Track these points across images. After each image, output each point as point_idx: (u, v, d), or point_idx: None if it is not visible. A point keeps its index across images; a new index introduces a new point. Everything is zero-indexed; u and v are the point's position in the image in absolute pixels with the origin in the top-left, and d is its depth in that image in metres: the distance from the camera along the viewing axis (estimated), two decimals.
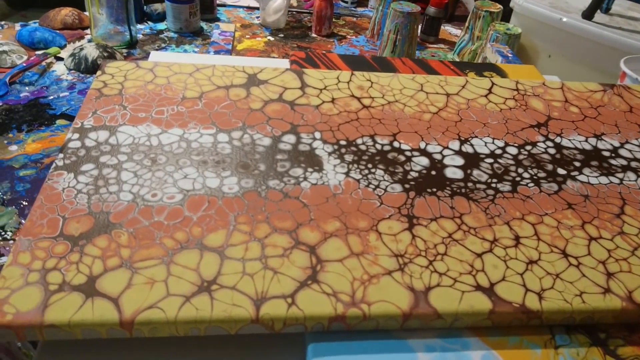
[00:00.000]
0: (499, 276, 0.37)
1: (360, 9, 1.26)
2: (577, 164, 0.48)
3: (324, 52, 0.78)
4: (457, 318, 0.34)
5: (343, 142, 0.47)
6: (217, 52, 0.74)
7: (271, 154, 0.45)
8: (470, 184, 0.44)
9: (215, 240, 0.37)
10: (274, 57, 0.96)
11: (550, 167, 0.48)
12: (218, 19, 1.11)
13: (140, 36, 1.00)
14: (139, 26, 1.05)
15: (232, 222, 0.38)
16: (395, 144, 0.48)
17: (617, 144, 0.52)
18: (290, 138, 0.47)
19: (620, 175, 0.48)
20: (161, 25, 1.06)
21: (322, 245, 0.37)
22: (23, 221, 0.48)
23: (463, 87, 0.57)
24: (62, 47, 0.90)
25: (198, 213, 0.39)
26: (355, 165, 0.45)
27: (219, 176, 0.42)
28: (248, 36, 1.04)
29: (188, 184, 0.41)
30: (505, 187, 0.45)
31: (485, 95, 0.57)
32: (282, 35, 1.08)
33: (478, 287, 0.36)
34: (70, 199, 0.38)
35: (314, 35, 1.10)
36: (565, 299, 0.35)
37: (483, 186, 0.44)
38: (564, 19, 0.87)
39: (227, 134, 0.46)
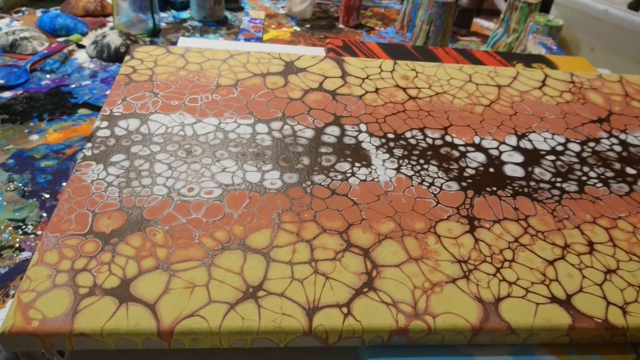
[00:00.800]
0: (576, 287, 0.33)
1: (385, 1, 1.22)
2: None
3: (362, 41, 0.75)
4: (532, 334, 0.30)
5: (391, 135, 0.43)
6: (247, 40, 0.70)
7: (315, 146, 0.41)
8: (532, 183, 0.40)
9: (260, 241, 0.33)
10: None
11: (617, 165, 0.43)
12: (242, 9, 1.08)
13: (163, 24, 0.97)
14: (162, 14, 1.02)
15: (276, 220, 0.35)
16: (448, 138, 0.44)
17: None
18: (334, 130, 0.43)
19: None
20: (185, 14, 1.03)
21: (377, 249, 0.34)
22: (44, 214, 0.44)
23: (514, 78, 0.53)
24: (84, 35, 0.87)
25: (239, 210, 0.35)
26: (406, 161, 0.41)
27: (259, 170, 0.38)
28: (274, 26, 1.01)
29: (227, 178, 0.37)
30: (571, 187, 0.41)
31: (539, 88, 0.52)
32: (308, 25, 1.04)
33: (553, 299, 0.32)
34: (100, 192, 0.35)
35: (341, 26, 1.06)
36: None
37: (547, 185, 0.40)
38: (609, 10, 0.82)
39: (266, 124, 0.43)
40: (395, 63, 0.53)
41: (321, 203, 0.36)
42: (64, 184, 0.50)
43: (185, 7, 1.03)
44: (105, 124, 0.41)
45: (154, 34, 0.93)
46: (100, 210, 0.34)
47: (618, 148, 0.45)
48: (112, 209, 0.34)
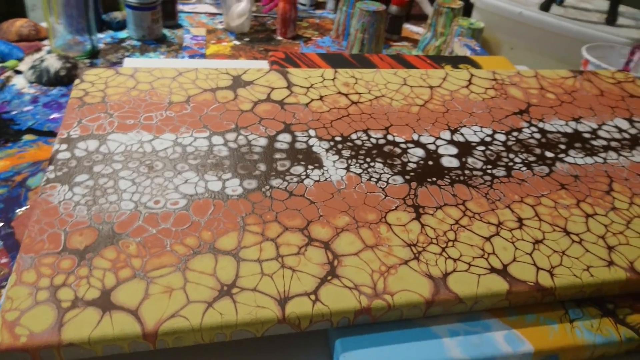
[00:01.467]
0: (510, 257, 0.37)
1: (318, 11, 1.27)
2: (562, 146, 0.50)
3: (302, 52, 0.78)
4: (477, 301, 0.35)
5: (338, 138, 0.47)
6: (191, 57, 0.72)
7: (269, 153, 0.44)
8: (467, 172, 0.45)
9: (228, 244, 0.36)
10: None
11: (538, 151, 0.49)
12: (180, 26, 1.09)
13: (101, 45, 0.97)
14: (100, 35, 1.01)
15: (241, 224, 0.37)
16: (389, 137, 0.48)
17: (595, 126, 0.54)
18: (286, 137, 0.47)
19: (603, 155, 0.50)
20: (122, 34, 1.03)
21: (336, 241, 0.37)
22: (0, 242, 0.45)
23: (444, 79, 0.59)
24: (20, 60, 0.86)
25: (205, 217, 0.38)
26: (354, 160, 0.45)
27: (220, 179, 0.41)
28: (214, 41, 1.03)
29: (190, 189, 0.40)
30: (500, 172, 0.46)
31: (466, 86, 0.58)
32: (247, 39, 1.07)
33: (492, 270, 0.36)
34: (68, 212, 0.37)
35: (279, 37, 1.10)
36: (575, 274, 0.37)
37: (479, 173, 0.45)
38: (523, 12, 0.90)
39: (221, 136, 0.46)
40: (335, 71, 0.57)
41: (281, 205, 0.39)
42: (17, 211, 0.51)
43: (122, 27, 1.03)
44: (64, 146, 0.42)
45: (93, 55, 0.93)
46: (71, 229, 0.35)
47: (537, 135, 0.51)
48: (82, 227, 0.36)
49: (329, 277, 0.34)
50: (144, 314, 0.31)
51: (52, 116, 0.74)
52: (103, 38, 0.99)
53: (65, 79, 0.83)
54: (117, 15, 1.03)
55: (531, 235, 0.39)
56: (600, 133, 0.53)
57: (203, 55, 0.73)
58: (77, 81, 0.50)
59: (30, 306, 0.30)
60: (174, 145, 0.44)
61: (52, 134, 0.70)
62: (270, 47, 1.03)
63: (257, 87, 0.53)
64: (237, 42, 1.03)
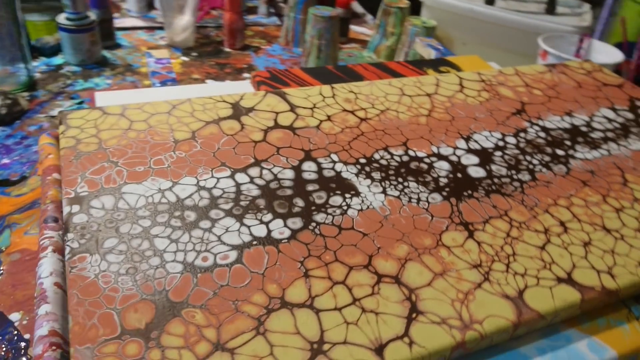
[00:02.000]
0: (569, 264, 0.38)
1: (250, 17, 1.23)
2: (568, 142, 0.52)
3: (286, 68, 0.75)
4: (556, 315, 0.35)
5: (362, 160, 0.46)
6: (163, 82, 0.67)
7: (300, 186, 0.42)
8: (495, 180, 0.45)
9: (298, 295, 0.33)
10: (196, 78, 0.90)
11: (549, 150, 0.50)
12: (119, 45, 1.02)
13: (37, 74, 0.88)
14: (32, 63, 0.92)
15: (302, 270, 0.35)
16: (411, 153, 0.47)
17: (587, 119, 0.57)
18: (311, 165, 0.44)
19: (605, 147, 0.52)
20: (58, 60, 0.94)
21: (404, 273, 0.35)
22: None
23: (437, 85, 0.59)
24: None
25: (262, 268, 0.35)
26: (387, 182, 0.43)
27: (261, 222, 0.38)
28: None
29: (234, 238, 0.36)
30: (525, 176, 0.46)
31: (460, 90, 0.58)
32: (195, 53, 1.02)
33: (559, 280, 0.37)
34: (111, 286, 0.32)
35: (227, 49, 1.06)
36: (631, 272, 0.38)
37: (507, 179, 0.46)
38: (471, 7, 0.93)
39: (244, 173, 0.42)
40: (332, 87, 0.55)
41: (334, 242, 0.37)
42: None
43: (55, 52, 0.94)
44: (76, 208, 0.37)
45: (31, 86, 0.84)
46: (122, 306, 0.31)
47: (542, 134, 0.53)
48: (134, 301, 0.31)
49: (414, 315, 0.33)
50: None
51: (1, 162, 0.66)
52: (37, 66, 0.90)
53: (7, 117, 0.74)
54: (48, 39, 0.94)
55: (578, 238, 0.40)
56: (594, 125, 0.56)
57: (175, 80, 0.68)
58: (62, 128, 0.45)
59: None
60: (198, 189, 0.40)
61: (7, 182, 0.63)
62: (221, 60, 0.99)
63: (261, 113, 0.50)
64: (185, 58, 0.98)
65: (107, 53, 0.97)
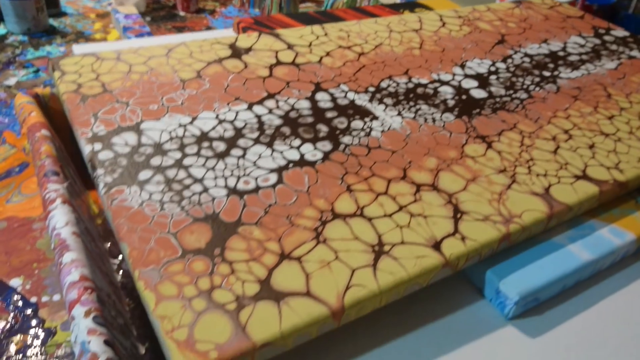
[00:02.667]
0: (582, 164, 0.40)
1: None
2: (551, 65, 0.55)
3: (267, 15, 0.74)
4: (580, 207, 0.37)
5: (371, 89, 0.46)
6: (139, 36, 0.63)
7: (320, 114, 0.42)
8: (497, 99, 0.47)
9: (347, 207, 0.33)
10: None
11: (537, 72, 0.53)
12: (64, 13, 0.96)
13: None
14: None
15: (344, 185, 0.35)
16: (414, 80, 0.48)
17: (561, 45, 0.60)
18: (324, 96, 0.44)
19: (584, 67, 0.56)
20: (0, 30, 0.87)
21: (439, 181, 0.37)
22: None
23: (420, 22, 0.60)
24: None
25: (305, 187, 0.35)
26: (401, 106, 0.44)
27: (291, 147, 0.38)
28: (112, 25, 0.92)
29: (270, 163, 0.36)
30: (523, 95, 0.49)
31: (443, 26, 0.60)
32: (148, 18, 0.97)
33: (577, 177, 0.39)
34: (160, 213, 0.31)
35: (182, 13, 1.02)
36: (634, 166, 0.41)
37: (507, 98, 0.48)
38: None
39: (261, 105, 0.42)
40: (323, 27, 0.55)
41: (367, 160, 0.38)
42: None
43: None
44: (99, 145, 0.35)
45: None
46: (175, 229, 0.30)
47: (527, 59, 0.55)
48: (187, 224, 0.31)
49: (458, 215, 0.34)
50: (320, 293, 0.28)
51: None
52: None
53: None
54: None
55: (583, 142, 0.43)
56: (569, 50, 0.59)
57: (150, 34, 0.65)
58: (57, 74, 0.42)
59: (194, 319, 0.26)
60: (219, 122, 0.39)
61: None
62: (177, 23, 0.96)
63: (260, 52, 0.49)
64: None
65: (53, 21, 0.91)
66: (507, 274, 0.33)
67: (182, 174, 0.34)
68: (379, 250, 0.31)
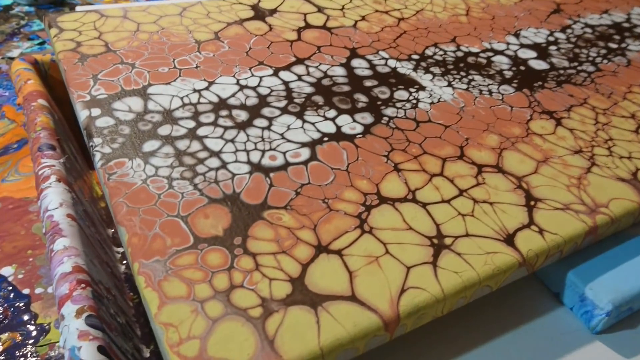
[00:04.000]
0: None
1: None
2: (617, 37, 0.48)
3: None
4: None
5: (415, 57, 0.40)
6: None
7: (357, 81, 0.36)
8: (561, 71, 0.41)
9: (396, 189, 0.27)
10: None
11: (602, 43, 0.46)
12: None
13: None
14: None
15: (391, 164, 0.29)
16: (463, 49, 0.42)
17: (625, 16, 0.53)
18: (361, 62, 0.38)
19: None
20: (5, 0, 0.82)
21: (504, 162, 0.30)
22: None
23: None
24: None
25: (344, 165, 0.28)
26: (450, 76, 0.38)
27: (326, 118, 0.32)
28: None
29: (300, 135, 0.30)
30: (590, 67, 0.42)
31: None
32: None
33: None
34: (167, 191, 0.25)
35: None
36: None
37: (573, 71, 0.41)
38: None
39: (289, 71, 0.36)
40: None
41: (416, 135, 0.31)
42: None
43: None
44: (97, 111, 0.29)
45: None
46: (186, 212, 0.24)
47: (589, 30, 0.48)
48: (201, 205, 0.25)
49: (532, 203, 0.28)
50: (368, 297, 0.22)
51: None
52: None
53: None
54: None
55: None
56: (634, 21, 0.52)
57: None
58: (54, 31, 0.36)
59: (209, 328, 0.20)
60: (240, 88, 0.33)
61: None
62: None
63: (286, 14, 0.43)
64: None
65: None
66: (594, 277, 0.27)
67: (195, 145, 0.28)
68: (438, 244, 0.25)
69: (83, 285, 0.25)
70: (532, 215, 0.27)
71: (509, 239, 0.25)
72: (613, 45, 0.46)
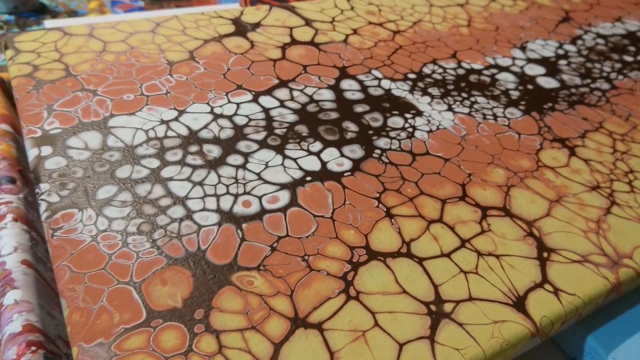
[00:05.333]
0: None
1: None
2: (632, 48, 0.44)
3: None
4: None
5: (412, 76, 0.36)
6: (129, 11, 0.54)
7: (346, 107, 0.32)
8: (573, 90, 0.37)
9: (387, 241, 0.24)
10: None
11: (615, 56, 0.42)
12: None
13: None
14: None
15: (382, 208, 0.25)
16: (465, 65, 0.38)
17: (639, 24, 0.49)
18: (351, 84, 0.34)
19: None
20: None
21: (511, 203, 0.27)
22: None
23: None
24: None
25: (329, 211, 0.25)
26: (451, 98, 0.34)
27: (310, 153, 0.28)
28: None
29: (281, 175, 0.26)
30: (603, 85, 0.38)
31: (493, 1, 0.49)
32: None
33: None
34: (120, 251, 0.22)
35: None
36: None
37: (585, 89, 0.37)
38: None
39: (271, 96, 0.32)
40: (348, 0, 0.45)
41: (411, 171, 0.28)
42: None
43: None
44: (48, 150, 0.26)
45: None
46: (140, 279, 0.21)
47: (600, 41, 0.45)
48: (159, 268, 0.21)
49: (545, 254, 0.24)
50: None
51: None
52: None
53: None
54: None
55: None
56: None
57: (143, 9, 0.56)
58: (9, 53, 0.33)
59: None
60: (214, 118, 0.29)
61: None
62: (182, 2, 0.86)
63: (271, 29, 0.39)
64: (141, 2, 0.84)
65: None
66: (617, 342, 0.23)
67: (158, 190, 0.24)
68: (437, 311, 0.21)
69: (34, 348, 0.22)
70: (545, 271, 0.23)
71: (519, 303, 0.22)
72: (628, 59, 0.42)
